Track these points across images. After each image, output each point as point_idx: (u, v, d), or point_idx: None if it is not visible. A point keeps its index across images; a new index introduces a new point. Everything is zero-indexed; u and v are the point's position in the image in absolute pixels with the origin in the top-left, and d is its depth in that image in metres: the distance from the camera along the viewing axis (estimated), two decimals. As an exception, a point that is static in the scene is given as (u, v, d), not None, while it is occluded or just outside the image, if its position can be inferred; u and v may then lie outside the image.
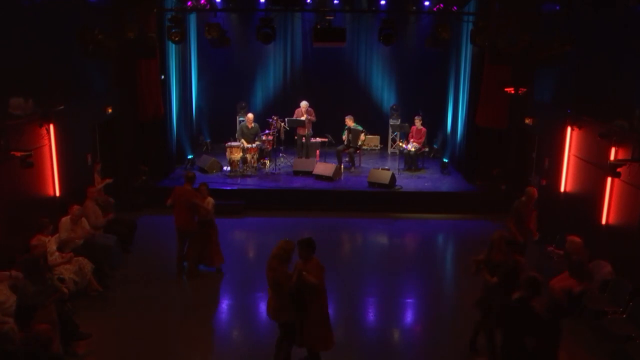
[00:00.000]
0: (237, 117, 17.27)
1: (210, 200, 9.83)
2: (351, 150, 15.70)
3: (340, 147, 15.63)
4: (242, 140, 14.92)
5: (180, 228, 9.81)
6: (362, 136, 15.59)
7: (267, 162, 15.56)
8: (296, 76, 18.11)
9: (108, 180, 11.85)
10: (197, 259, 10.02)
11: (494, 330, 7.16)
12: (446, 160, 15.99)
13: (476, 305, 7.54)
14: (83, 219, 9.65)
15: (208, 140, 17.69)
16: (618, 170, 8.41)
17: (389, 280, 10.27)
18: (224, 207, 11.81)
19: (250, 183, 14.36)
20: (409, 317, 9.17)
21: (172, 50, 14.49)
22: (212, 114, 17.96)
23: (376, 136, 18.09)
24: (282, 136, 16.22)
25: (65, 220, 9.39)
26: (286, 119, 15.84)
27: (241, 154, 14.82)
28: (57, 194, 10.13)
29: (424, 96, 17.07)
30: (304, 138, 16.04)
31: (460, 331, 7.99)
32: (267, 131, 15.48)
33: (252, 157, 14.99)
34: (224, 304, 9.44)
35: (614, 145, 9.05)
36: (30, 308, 6.32)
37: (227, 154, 15.00)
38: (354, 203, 13.82)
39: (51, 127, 9.79)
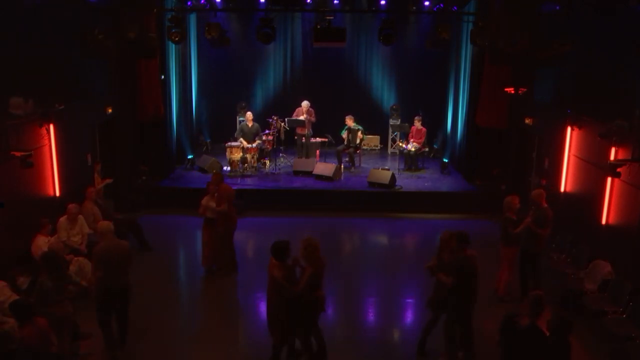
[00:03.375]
0: (237, 117, 17.27)
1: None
2: (351, 150, 15.70)
3: (340, 147, 15.63)
4: (242, 140, 14.92)
5: (235, 226, 10.09)
6: (360, 134, 15.60)
7: (267, 162, 15.56)
8: (296, 76, 18.12)
9: (108, 180, 11.87)
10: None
11: (454, 329, 7.23)
12: (446, 160, 15.99)
13: (427, 306, 7.60)
14: (81, 217, 9.66)
15: (208, 140, 17.69)
16: (618, 170, 8.40)
17: (389, 280, 10.27)
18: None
19: (250, 183, 14.35)
20: (409, 317, 9.17)
21: (172, 50, 14.49)
22: (212, 114, 17.98)
23: (376, 136, 18.10)
24: (282, 136, 16.22)
25: (63, 220, 9.41)
26: (286, 119, 15.83)
27: (241, 154, 14.83)
28: (57, 194, 10.13)
29: (424, 96, 17.08)
30: (303, 138, 16.04)
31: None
32: (267, 131, 15.48)
33: (252, 157, 14.99)
34: (225, 304, 9.42)
35: (614, 145, 9.04)
36: (27, 306, 6.33)
37: (227, 154, 15.00)
38: (354, 203, 13.82)
39: (51, 127, 9.79)
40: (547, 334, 5.82)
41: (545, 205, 8.87)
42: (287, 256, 6.86)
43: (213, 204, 9.63)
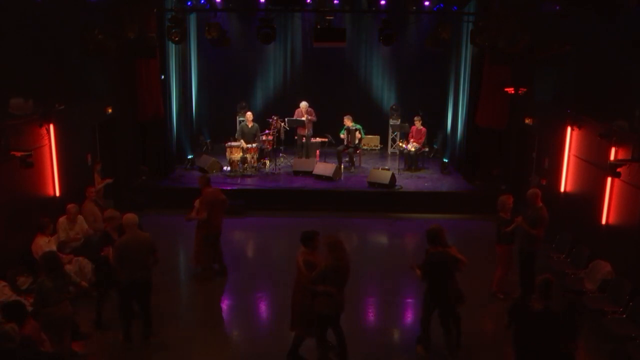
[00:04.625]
0: (237, 117, 17.27)
1: None
2: (351, 150, 15.71)
3: (340, 147, 15.63)
4: (242, 141, 14.92)
5: (219, 231, 9.78)
6: (357, 134, 15.59)
7: (267, 162, 15.56)
8: (296, 76, 18.11)
9: (108, 180, 11.87)
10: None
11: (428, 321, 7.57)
12: (446, 160, 15.98)
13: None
14: (80, 217, 9.67)
15: (208, 140, 17.69)
16: (618, 170, 8.41)
17: (389, 280, 10.27)
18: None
19: (250, 183, 14.35)
20: (409, 317, 9.17)
21: (172, 50, 14.49)
22: (212, 114, 17.97)
23: (376, 136, 18.10)
24: (282, 136, 16.22)
25: (63, 220, 9.41)
26: (286, 119, 15.84)
27: (241, 154, 14.83)
28: (57, 194, 10.13)
29: (424, 96, 17.06)
30: (304, 138, 16.04)
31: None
32: (267, 131, 15.48)
33: (252, 157, 14.99)
34: (225, 304, 9.43)
35: (614, 145, 9.05)
36: (20, 306, 6.33)
37: (227, 154, 15.01)
38: (354, 203, 13.82)
39: (51, 127, 9.80)
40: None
41: (540, 204, 8.86)
42: (313, 245, 7.12)
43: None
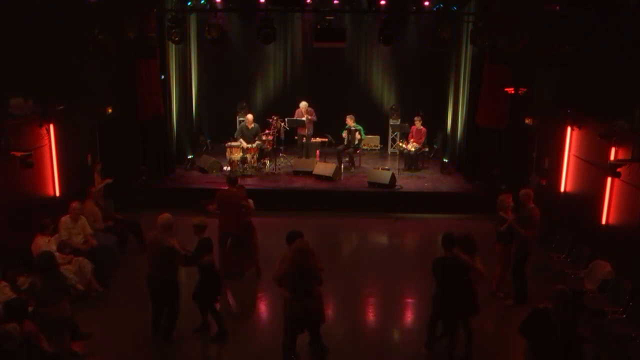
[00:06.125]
0: (237, 117, 17.27)
1: (250, 201, 9.93)
2: (351, 150, 15.71)
3: (340, 147, 15.63)
4: (241, 140, 14.92)
5: (230, 232, 9.76)
6: (357, 135, 15.60)
7: (267, 162, 15.56)
8: (296, 76, 18.11)
9: (108, 180, 11.86)
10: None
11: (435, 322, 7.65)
12: (446, 160, 15.98)
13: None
14: (83, 217, 9.66)
15: (208, 140, 17.68)
16: (618, 170, 8.42)
17: (389, 280, 10.27)
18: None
19: (250, 183, 14.32)
20: (409, 317, 9.17)
21: (172, 50, 14.49)
22: (212, 114, 17.97)
23: (376, 136, 18.10)
24: (282, 136, 16.22)
25: (65, 219, 9.41)
26: (286, 119, 15.83)
27: (241, 154, 14.83)
28: (57, 194, 10.14)
29: (424, 96, 17.07)
30: (304, 138, 16.04)
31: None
32: (267, 131, 15.47)
33: (252, 157, 14.99)
34: (225, 304, 9.42)
35: (614, 145, 9.05)
36: (23, 306, 6.34)
37: (227, 154, 15.01)
38: (354, 203, 13.82)
39: (51, 127, 9.80)
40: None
41: (532, 205, 8.85)
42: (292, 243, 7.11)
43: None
